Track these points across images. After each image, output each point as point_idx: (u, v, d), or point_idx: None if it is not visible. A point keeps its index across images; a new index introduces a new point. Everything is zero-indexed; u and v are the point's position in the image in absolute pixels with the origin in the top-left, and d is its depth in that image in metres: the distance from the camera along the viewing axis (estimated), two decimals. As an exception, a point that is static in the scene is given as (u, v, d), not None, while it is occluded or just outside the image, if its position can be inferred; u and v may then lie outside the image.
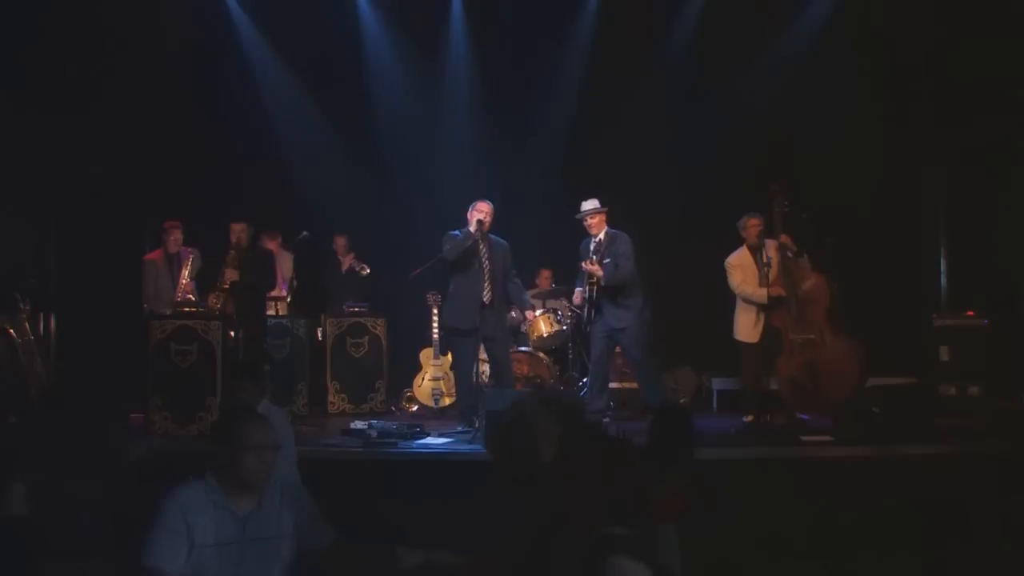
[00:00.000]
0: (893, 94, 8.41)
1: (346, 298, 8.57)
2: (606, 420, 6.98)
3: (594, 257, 7.09)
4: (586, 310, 7.23)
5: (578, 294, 7.32)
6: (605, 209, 7.25)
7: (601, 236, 7.21)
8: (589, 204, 7.27)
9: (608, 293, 7.06)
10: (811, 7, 8.91)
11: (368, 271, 8.66)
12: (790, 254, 6.97)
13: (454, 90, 9.58)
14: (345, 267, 8.83)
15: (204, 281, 7.74)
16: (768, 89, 8.83)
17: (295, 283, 8.56)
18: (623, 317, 7.09)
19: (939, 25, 8.16)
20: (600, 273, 7.00)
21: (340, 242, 8.92)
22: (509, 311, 7.66)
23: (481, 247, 7.05)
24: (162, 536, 2.88)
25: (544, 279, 9.08)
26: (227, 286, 7.18)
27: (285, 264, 8.42)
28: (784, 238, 6.96)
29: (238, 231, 7.30)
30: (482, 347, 7.24)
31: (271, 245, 8.25)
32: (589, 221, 7.24)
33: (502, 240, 7.23)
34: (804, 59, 8.74)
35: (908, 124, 8.44)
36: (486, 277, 7.01)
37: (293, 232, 8.14)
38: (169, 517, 2.90)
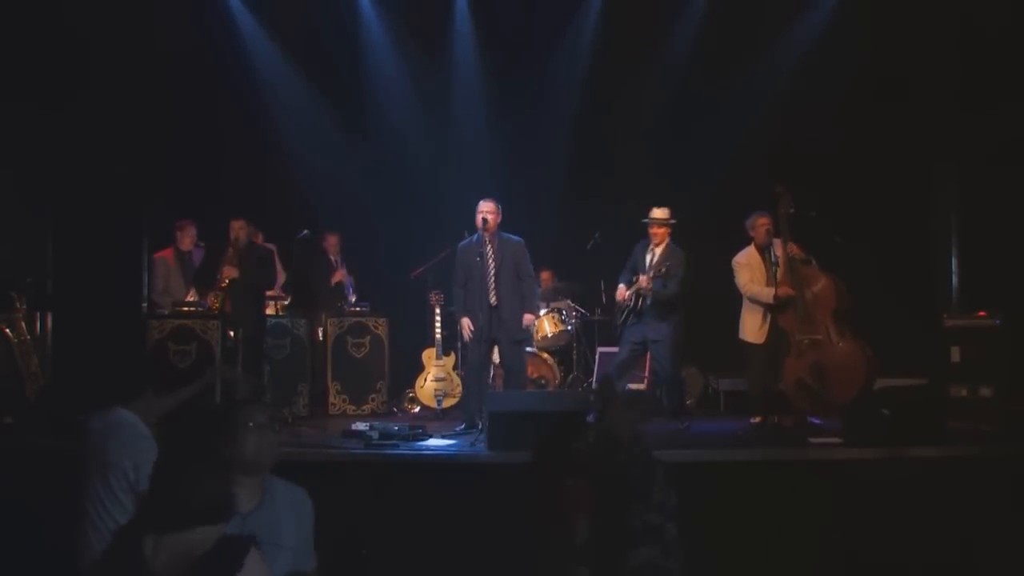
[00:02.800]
0: (902, 90, 8.31)
1: (335, 301, 8.47)
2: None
3: (650, 273, 7.01)
4: (625, 314, 7.18)
5: (622, 290, 7.23)
6: (672, 223, 7.17)
7: (660, 249, 7.14)
8: (660, 212, 7.20)
9: (653, 305, 7.03)
10: (817, 3, 8.82)
11: (354, 299, 8.58)
12: (799, 261, 6.89)
13: (457, 89, 9.51)
14: (335, 280, 8.65)
15: (202, 280, 7.65)
16: (775, 86, 8.75)
17: (293, 282, 8.48)
18: (661, 329, 7.06)
19: (947, 21, 8.07)
20: (649, 288, 6.96)
21: (332, 241, 8.78)
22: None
23: (487, 247, 6.94)
24: None
25: (545, 280, 8.99)
26: (225, 284, 7.09)
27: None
28: (792, 248, 6.87)
29: (236, 228, 7.21)
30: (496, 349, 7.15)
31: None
32: (654, 229, 7.18)
33: (514, 237, 7.10)
34: (811, 55, 8.66)
35: (918, 121, 8.34)
36: (491, 279, 6.91)
37: (293, 231, 8.05)
38: None
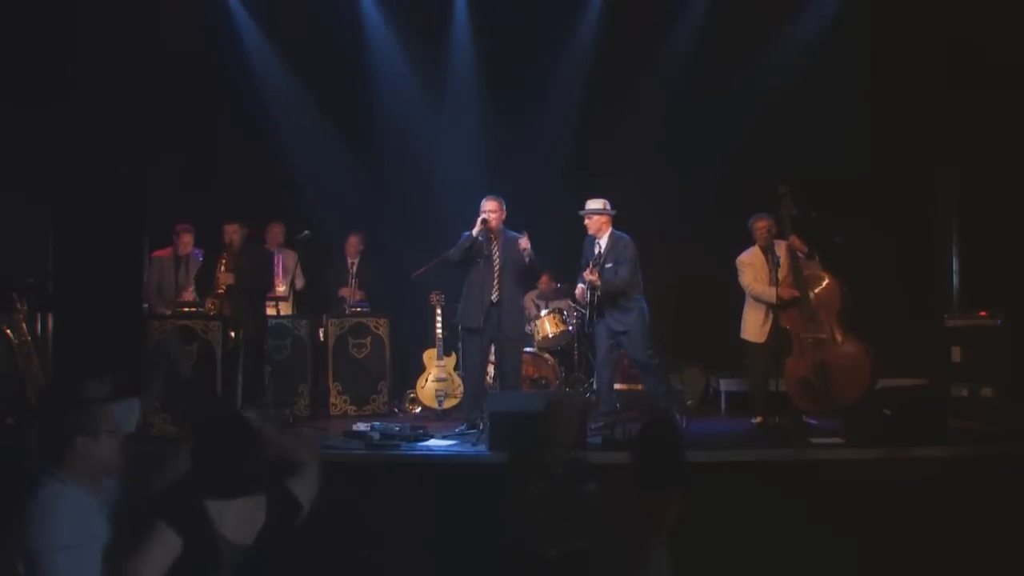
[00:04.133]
0: (904, 90, 8.30)
1: (339, 304, 8.46)
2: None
3: (591, 266, 6.94)
4: (588, 313, 7.15)
5: (580, 289, 7.20)
6: (608, 213, 7.09)
7: (604, 240, 7.07)
8: (593, 204, 7.09)
9: (608, 297, 6.96)
10: (818, 2, 8.81)
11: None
12: (801, 255, 6.89)
13: (457, 90, 9.49)
14: (342, 292, 8.59)
15: (202, 283, 7.66)
16: (777, 86, 8.73)
17: (295, 282, 8.49)
18: (623, 320, 6.98)
19: (948, 21, 8.07)
20: (597, 282, 6.90)
21: (352, 241, 8.68)
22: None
23: (493, 245, 6.95)
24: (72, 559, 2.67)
25: (544, 283, 8.97)
26: (222, 291, 7.09)
27: (288, 259, 8.33)
28: (794, 240, 6.88)
29: (231, 232, 7.21)
30: (492, 347, 7.16)
31: (275, 232, 8.29)
32: (587, 221, 7.09)
33: (516, 233, 7.08)
34: (813, 55, 8.65)
35: (920, 121, 8.33)
36: (495, 276, 6.93)
37: (293, 233, 8.07)
38: (65, 534, 2.69)
